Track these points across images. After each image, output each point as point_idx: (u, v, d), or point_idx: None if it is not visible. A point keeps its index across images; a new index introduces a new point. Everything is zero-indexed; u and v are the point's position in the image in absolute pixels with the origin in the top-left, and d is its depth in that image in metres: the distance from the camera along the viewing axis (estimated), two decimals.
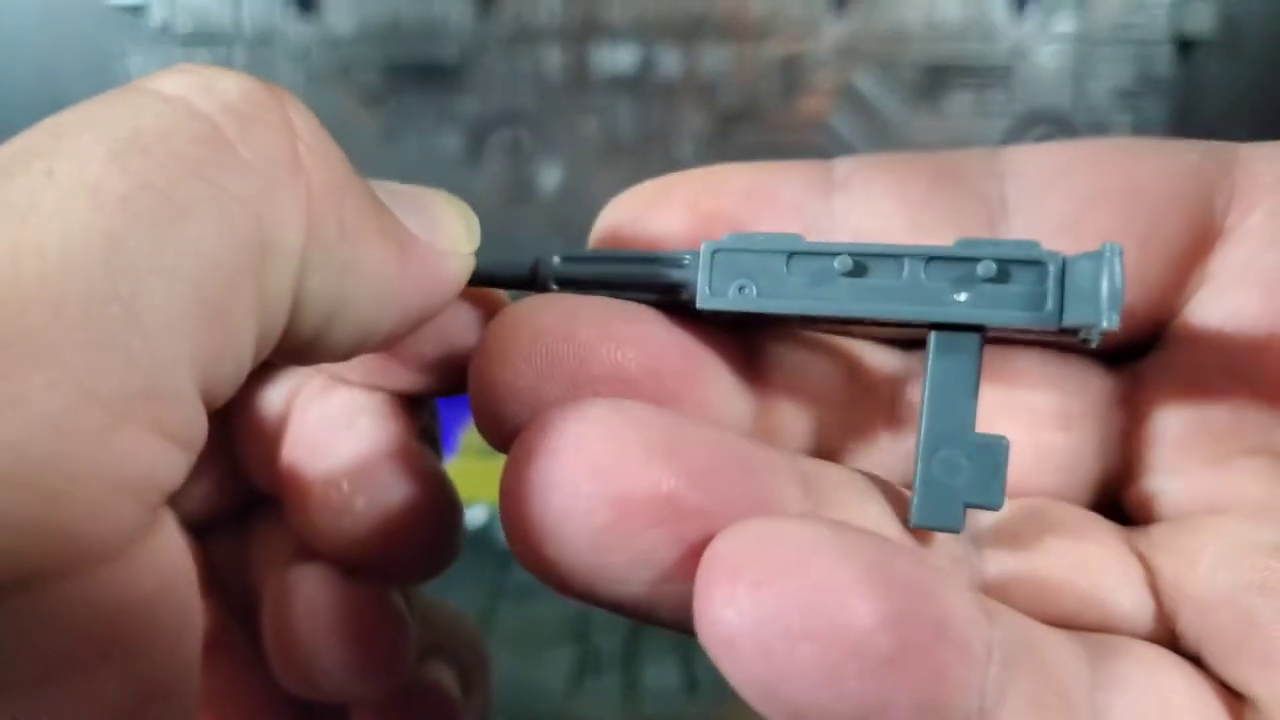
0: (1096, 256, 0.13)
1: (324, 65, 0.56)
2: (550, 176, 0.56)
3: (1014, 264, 0.13)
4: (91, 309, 0.10)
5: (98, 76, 0.58)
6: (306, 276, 0.12)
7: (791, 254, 0.14)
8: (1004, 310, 0.14)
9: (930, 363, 0.14)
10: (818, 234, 0.15)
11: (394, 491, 0.16)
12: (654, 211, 0.16)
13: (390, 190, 0.14)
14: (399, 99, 0.56)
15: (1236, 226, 0.15)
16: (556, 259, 0.16)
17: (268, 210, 0.11)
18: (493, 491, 0.52)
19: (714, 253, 0.15)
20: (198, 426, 0.11)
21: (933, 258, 0.14)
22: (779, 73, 0.55)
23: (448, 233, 0.15)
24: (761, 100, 0.55)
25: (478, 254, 0.15)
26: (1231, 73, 0.57)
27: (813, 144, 0.55)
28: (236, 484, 0.19)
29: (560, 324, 0.14)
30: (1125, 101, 0.54)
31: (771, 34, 0.55)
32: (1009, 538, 0.15)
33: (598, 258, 0.16)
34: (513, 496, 0.13)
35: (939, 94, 0.55)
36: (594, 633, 0.40)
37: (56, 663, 0.09)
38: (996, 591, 0.14)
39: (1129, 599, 0.14)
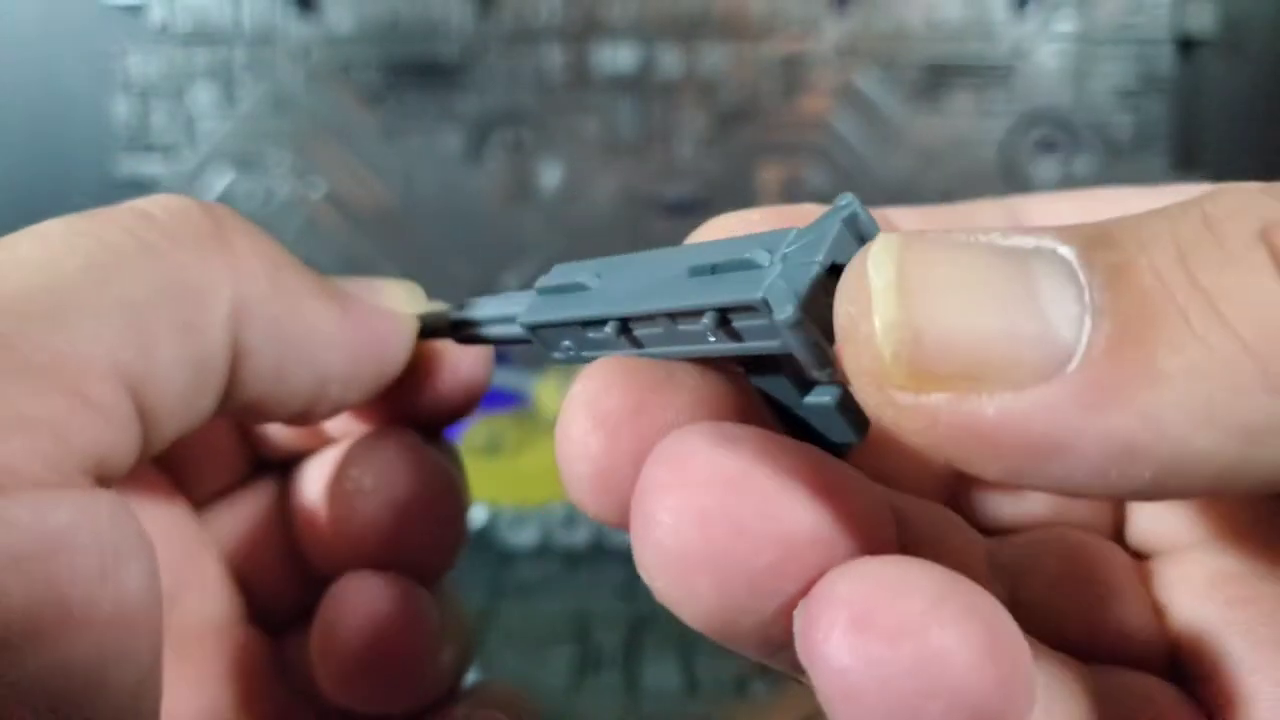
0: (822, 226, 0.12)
1: (324, 64, 0.56)
2: (551, 175, 0.56)
3: (738, 289, 0.12)
4: (20, 298, 0.12)
5: (97, 76, 0.58)
6: (246, 324, 0.14)
7: (584, 323, 0.14)
8: (749, 342, 0.12)
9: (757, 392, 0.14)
10: None
11: (400, 472, 0.17)
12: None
13: (332, 275, 0.17)
14: (399, 98, 0.56)
15: None
16: (451, 314, 0.17)
17: (191, 265, 0.14)
18: (493, 491, 0.52)
19: (528, 328, 0.15)
20: (122, 407, 0.13)
21: (674, 314, 0.13)
22: (779, 72, 0.55)
23: (387, 296, 0.17)
24: (762, 100, 0.55)
25: (424, 318, 0.17)
26: (1232, 72, 0.57)
27: (813, 143, 0.55)
28: (305, 577, 0.20)
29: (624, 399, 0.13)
30: (1126, 101, 0.55)
31: (772, 33, 0.55)
32: (1031, 563, 0.15)
33: (474, 317, 0.17)
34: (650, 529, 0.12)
35: (939, 93, 0.55)
36: (594, 632, 0.40)
37: None
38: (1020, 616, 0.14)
39: (1140, 631, 0.14)
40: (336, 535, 0.17)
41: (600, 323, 0.14)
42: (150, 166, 0.57)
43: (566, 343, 0.15)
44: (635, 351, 0.14)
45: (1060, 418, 0.09)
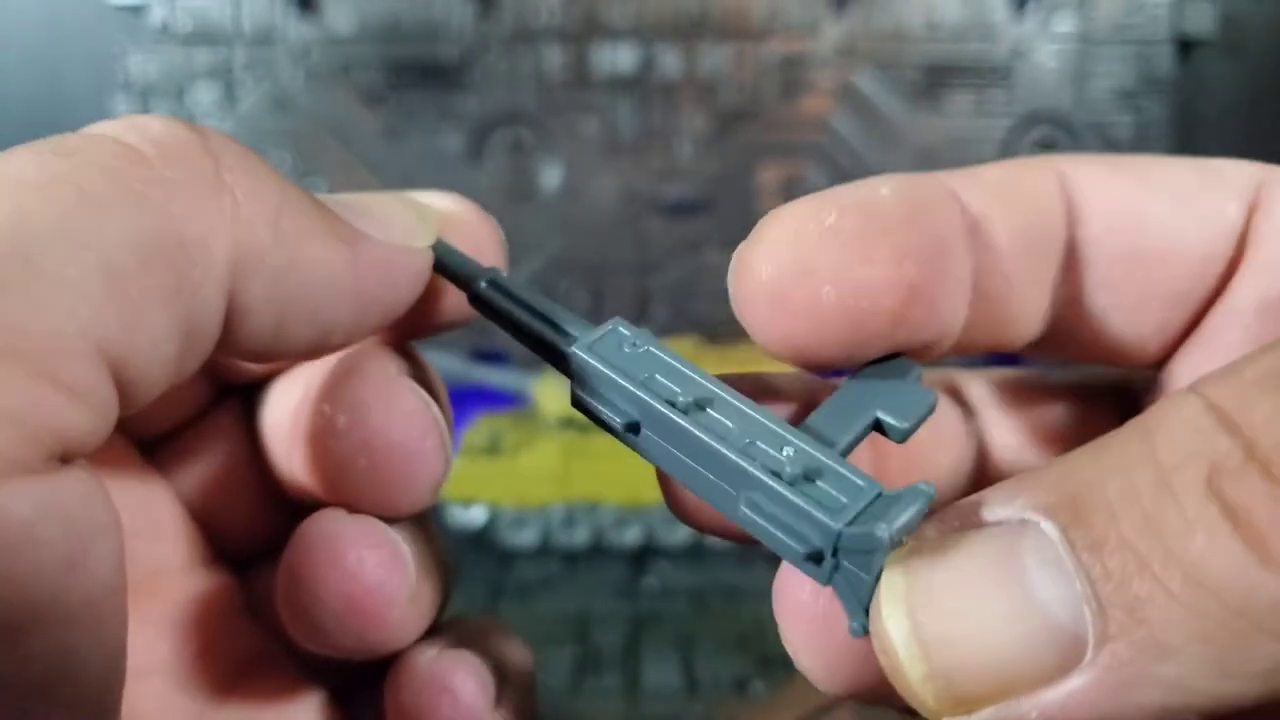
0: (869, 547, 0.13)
1: (324, 64, 0.56)
2: (551, 176, 0.56)
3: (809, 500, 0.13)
4: None
5: (98, 76, 0.58)
6: (244, 281, 0.13)
7: (657, 401, 0.14)
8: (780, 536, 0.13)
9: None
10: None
11: (377, 409, 0.16)
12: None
13: (340, 200, 0.15)
14: (400, 98, 0.56)
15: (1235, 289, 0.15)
16: (484, 282, 0.16)
17: (184, 216, 0.12)
18: (493, 491, 0.52)
19: (586, 358, 0.15)
20: (101, 388, 0.12)
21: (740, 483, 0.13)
22: (779, 72, 0.55)
23: (398, 228, 0.15)
24: (762, 100, 0.55)
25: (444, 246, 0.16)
26: (1232, 72, 0.57)
27: (813, 143, 0.55)
28: (276, 507, 0.19)
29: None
30: (1126, 101, 0.55)
31: (771, 34, 0.55)
32: None
33: (516, 298, 0.16)
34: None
35: (939, 94, 0.55)
36: (594, 632, 0.40)
37: None
38: None
39: None
40: (308, 474, 0.16)
41: (669, 414, 0.14)
42: None
43: (609, 399, 0.14)
44: (670, 463, 0.14)
45: (1094, 703, 0.10)
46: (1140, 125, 0.55)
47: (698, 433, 0.13)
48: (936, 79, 0.54)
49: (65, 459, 0.11)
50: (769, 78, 0.55)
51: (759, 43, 0.55)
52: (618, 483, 0.46)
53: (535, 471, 0.46)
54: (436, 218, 0.16)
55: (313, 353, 0.15)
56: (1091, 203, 0.15)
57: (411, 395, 0.16)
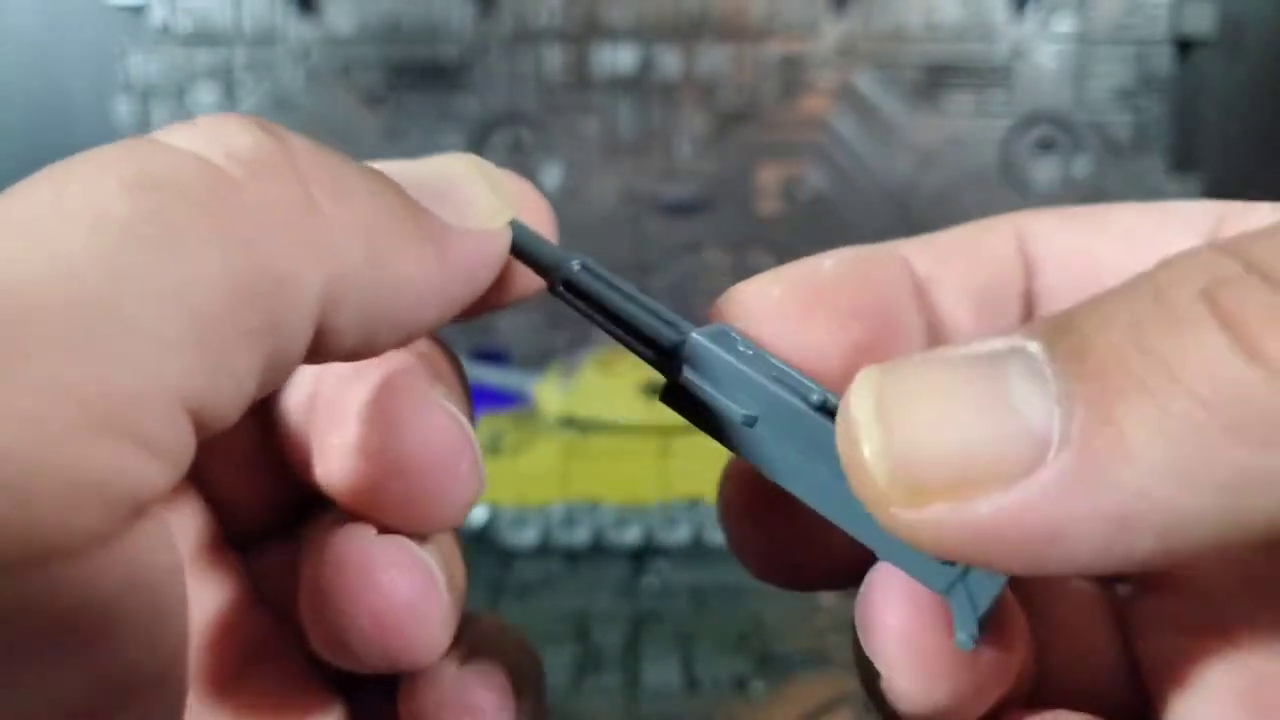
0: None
1: (324, 65, 0.56)
2: (551, 175, 0.56)
3: None
4: (79, 318, 0.10)
5: (98, 76, 0.59)
6: (336, 307, 0.12)
7: (748, 421, 0.14)
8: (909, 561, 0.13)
9: None
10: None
11: (409, 431, 0.15)
12: (801, 323, 0.15)
13: (415, 178, 0.14)
14: (400, 99, 0.56)
15: None
16: (577, 264, 0.15)
17: (275, 250, 0.12)
18: (493, 491, 0.51)
19: (701, 346, 0.14)
20: (182, 441, 0.11)
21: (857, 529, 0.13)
22: (779, 73, 0.55)
23: (480, 211, 0.15)
24: (761, 100, 0.55)
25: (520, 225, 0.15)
26: (1231, 72, 0.57)
27: (812, 143, 0.55)
28: (285, 489, 0.18)
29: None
30: (1125, 101, 0.55)
31: (771, 34, 0.55)
32: None
33: (612, 285, 0.15)
34: None
35: (939, 94, 0.55)
36: (595, 631, 0.41)
37: (10, 652, 0.10)
38: None
39: None
40: (334, 487, 0.16)
41: (807, 411, 0.14)
42: None
43: (728, 391, 0.14)
44: (779, 474, 0.14)
45: (1050, 506, 0.10)
46: (1139, 125, 0.55)
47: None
48: (936, 79, 0.54)
49: (141, 511, 0.11)
50: (768, 78, 0.55)
51: (758, 43, 0.55)
52: (617, 482, 0.46)
53: (535, 471, 0.46)
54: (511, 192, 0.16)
55: (390, 349, 0.14)
56: (1047, 253, 0.16)
57: (445, 415, 0.15)
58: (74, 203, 0.11)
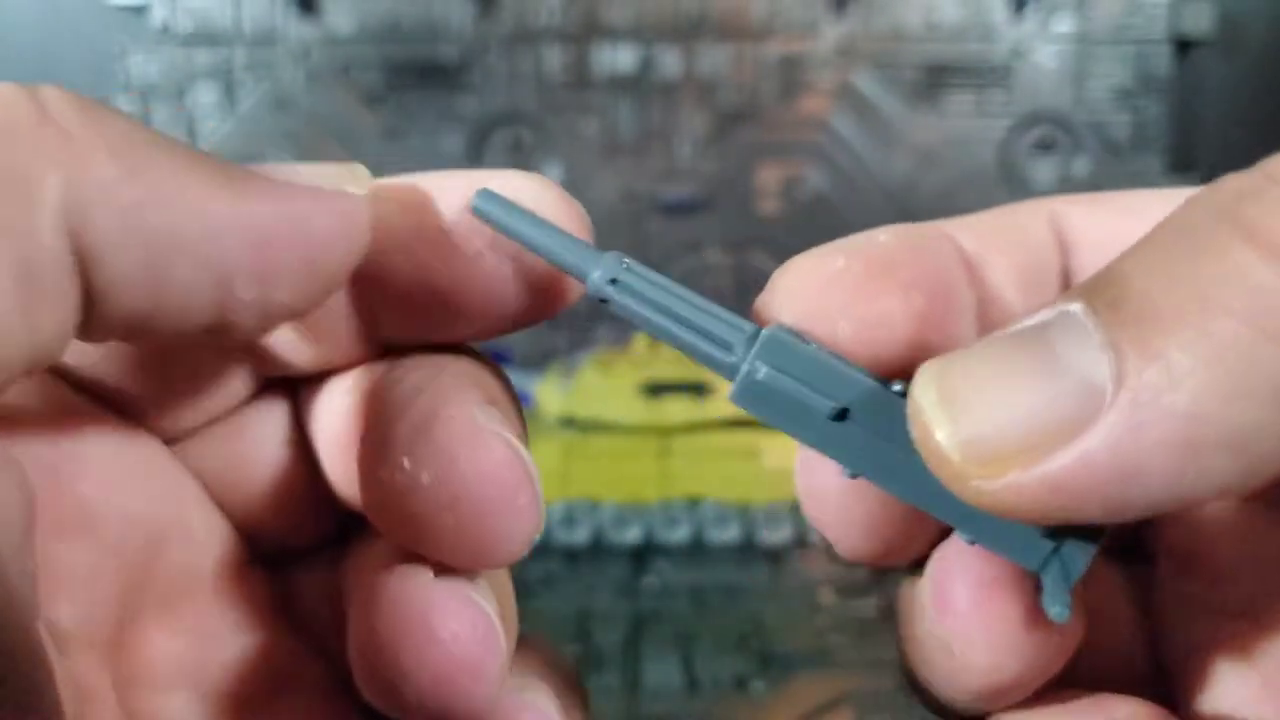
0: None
1: (325, 65, 0.56)
2: (551, 175, 0.56)
3: None
4: None
5: (99, 76, 0.59)
6: (89, 218, 0.12)
7: (836, 413, 0.14)
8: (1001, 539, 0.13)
9: None
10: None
11: (462, 465, 0.14)
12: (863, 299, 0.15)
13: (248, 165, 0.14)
14: (400, 99, 0.56)
15: None
16: (619, 264, 0.14)
17: (5, 160, 0.11)
18: None
19: (758, 376, 0.14)
20: None
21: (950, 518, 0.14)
22: (778, 73, 0.55)
23: (311, 175, 0.14)
24: (761, 100, 0.55)
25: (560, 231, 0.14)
26: (1230, 72, 0.58)
27: (812, 143, 0.56)
28: (322, 510, 0.17)
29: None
30: (1124, 101, 0.55)
31: (771, 34, 0.55)
32: None
33: (660, 299, 0.14)
34: None
35: (938, 94, 0.55)
36: (595, 631, 0.41)
37: None
38: None
39: None
40: (383, 522, 0.15)
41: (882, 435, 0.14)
42: None
43: (813, 384, 0.14)
44: (857, 469, 0.14)
45: (1118, 446, 0.11)
46: (1138, 124, 0.55)
47: None
48: (935, 79, 0.55)
49: None
50: (768, 78, 0.55)
51: (758, 43, 0.55)
52: (617, 482, 0.47)
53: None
54: (376, 182, 0.15)
55: (228, 310, 0.13)
56: (1080, 233, 0.16)
57: (502, 444, 0.14)
58: None
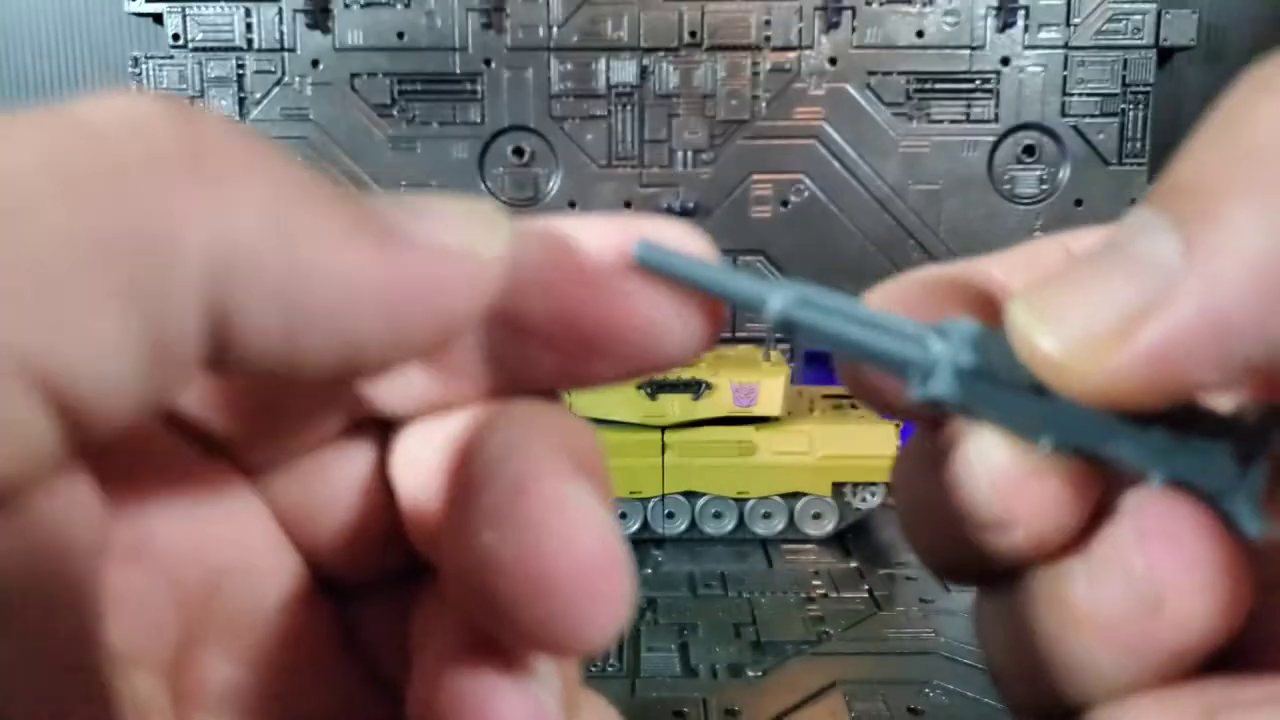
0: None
1: (334, 75, 0.57)
2: (553, 183, 0.57)
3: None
4: None
5: (114, 84, 0.59)
6: (233, 283, 0.11)
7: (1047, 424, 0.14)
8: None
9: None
10: None
11: (550, 547, 0.12)
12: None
13: (392, 199, 0.13)
14: (407, 108, 0.57)
15: None
16: (792, 297, 0.14)
17: (149, 206, 0.11)
18: None
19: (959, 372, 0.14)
20: (23, 413, 0.10)
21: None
22: (773, 84, 0.56)
23: (456, 232, 0.13)
24: (756, 110, 0.56)
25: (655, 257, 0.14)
26: (1212, 80, 0.58)
27: (806, 152, 0.57)
28: (397, 545, 0.16)
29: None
30: (1108, 109, 0.56)
31: (766, 47, 0.56)
32: None
33: (840, 313, 0.14)
34: None
35: (927, 103, 0.56)
36: None
37: None
38: None
39: None
40: (460, 598, 0.13)
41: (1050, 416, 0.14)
42: None
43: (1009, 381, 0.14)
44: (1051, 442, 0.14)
45: (1201, 305, 0.11)
46: (1122, 132, 0.56)
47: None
48: (924, 89, 0.55)
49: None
50: (763, 89, 0.56)
51: (753, 55, 0.56)
52: (618, 477, 0.47)
53: None
54: (520, 231, 0.14)
55: (341, 369, 0.12)
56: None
57: (594, 524, 0.13)
58: None
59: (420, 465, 0.15)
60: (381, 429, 0.16)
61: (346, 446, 0.16)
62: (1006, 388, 0.14)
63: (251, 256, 0.11)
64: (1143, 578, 0.13)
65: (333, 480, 0.16)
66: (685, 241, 0.14)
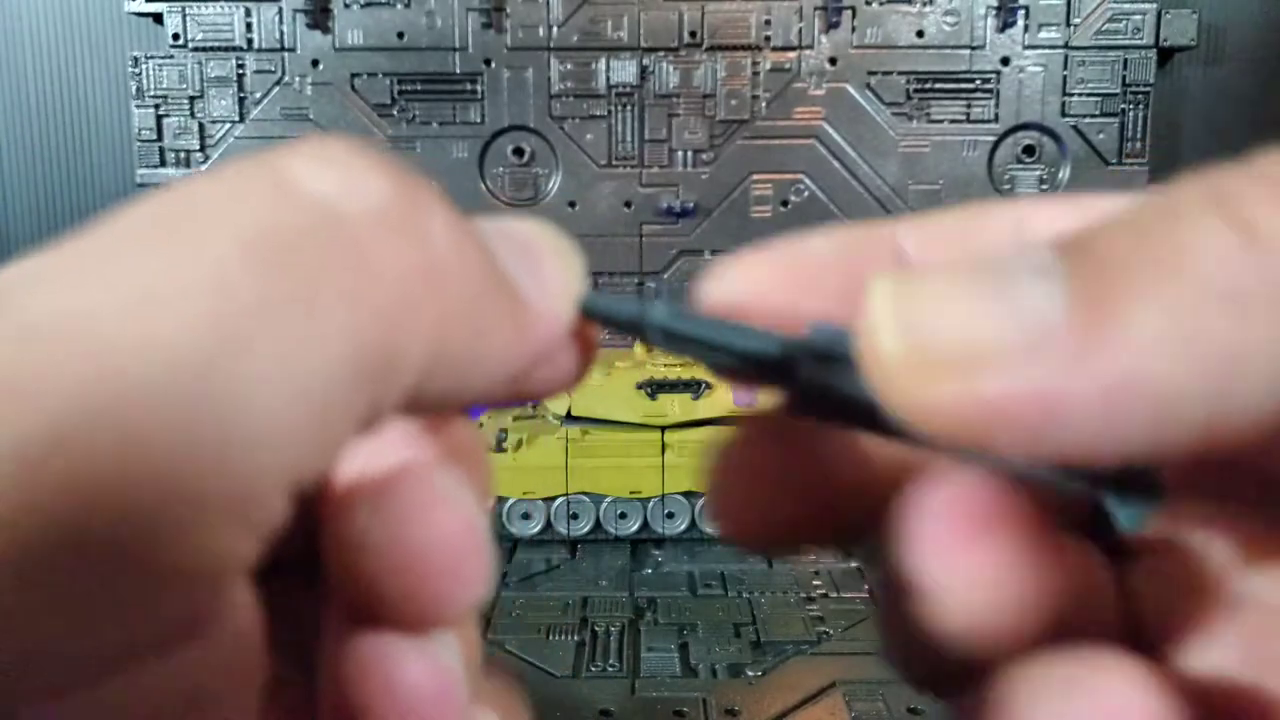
0: None
1: (333, 75, 0.57)
2: (553, 183, 0.57)
3: None
4: (197, 410, 0.09)
5: (114, 83, 0.60)
6: (430, 380, 0.12)
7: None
8: None
9: None
10: None
11: (416, 533, 0.14)
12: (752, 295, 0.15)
13: (502, 236, 0.14)
14: (407, 108, 0.57)
15: None
16: (663, 310, 0.15)
17: (397, 323, 0.11)
18: (499, 486, 0.51)
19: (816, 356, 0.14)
20: (280, 513, 0.11)
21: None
22: (773, 84, 0.56)
23: (556, 284, 0.14)
24: (756, 110, 0.56)
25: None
26: (1212, 80, 0.58)
27: (806, 152, 0.57)
28: (308, 525, 0.16)
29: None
30: (1108, 109, 0.56)
31: (766, 47, 0.56)
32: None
33: (710, 324, 0.15)
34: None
35: (927, 103, 0.56)
36: (596, 619, 0.41)
37: None
38: None
39: None
40: (339, 576, 0.15)
41: None
42: (165, 173, 0.58)
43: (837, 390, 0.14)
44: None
45: (1051, 377, 0.11)
46: (1122, 132, 0.56)
47: None
48: (924, 89, 0.56)
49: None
50: (763, 89, 0.56)
51: (753, 55, 0.56)
52: (618, 476, 0.48)
53: (540, 466, 0.48)
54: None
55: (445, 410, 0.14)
56: (1047, 235, 0.16)
57: (456, 513, 0.14)
58: (190, 269, 0.10)
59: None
60: None
61: None
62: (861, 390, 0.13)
63: (449, 360, 0.12)
64: (919, 565, 0.13)
65: None
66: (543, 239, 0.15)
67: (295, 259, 0.10)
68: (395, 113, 0.57)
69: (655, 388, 0.47)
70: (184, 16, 0.57)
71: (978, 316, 0.11)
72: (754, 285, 0.15)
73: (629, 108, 0.56)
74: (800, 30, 0.56)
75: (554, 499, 0.47)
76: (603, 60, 0.56)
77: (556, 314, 0.14)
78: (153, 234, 0.10)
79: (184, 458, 0.09)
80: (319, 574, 0.16)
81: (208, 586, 0.10)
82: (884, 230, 0.16)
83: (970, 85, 0.56)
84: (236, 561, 0.10)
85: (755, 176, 0.57)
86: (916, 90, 0.56)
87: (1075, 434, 0.11)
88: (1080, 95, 0.56)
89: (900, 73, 0.55)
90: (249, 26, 0.57)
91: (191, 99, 0.58)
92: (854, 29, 0.55)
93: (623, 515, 0.47)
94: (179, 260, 0.10)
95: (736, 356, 0.15)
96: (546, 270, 0.14)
